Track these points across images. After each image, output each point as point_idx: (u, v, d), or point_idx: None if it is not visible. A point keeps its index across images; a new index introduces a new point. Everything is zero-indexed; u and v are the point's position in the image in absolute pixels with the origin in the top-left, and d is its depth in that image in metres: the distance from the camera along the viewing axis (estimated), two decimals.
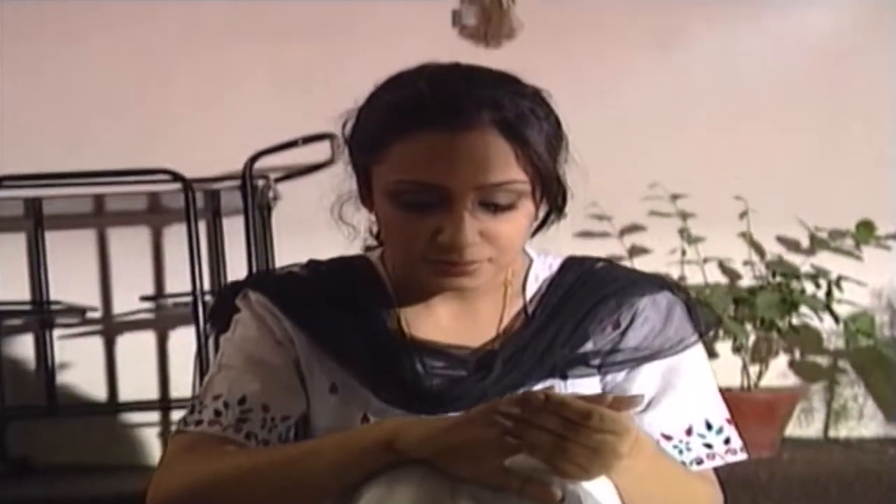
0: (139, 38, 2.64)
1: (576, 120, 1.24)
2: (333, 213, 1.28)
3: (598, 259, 1.33)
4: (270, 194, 2.58)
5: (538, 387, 1.21)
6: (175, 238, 2.61)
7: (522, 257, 1.31)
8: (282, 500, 1.14)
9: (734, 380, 2.48)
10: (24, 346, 2.62)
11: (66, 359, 2.62)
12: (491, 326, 1.27)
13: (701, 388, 1.28)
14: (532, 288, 1.29)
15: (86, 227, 2.65)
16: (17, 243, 2.62)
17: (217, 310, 1.34)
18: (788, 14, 2.70)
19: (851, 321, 2.53)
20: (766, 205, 2.54)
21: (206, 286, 2.52)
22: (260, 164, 2.50)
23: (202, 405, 1.23)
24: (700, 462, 1.26)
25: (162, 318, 2.64)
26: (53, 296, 2.57)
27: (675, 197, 2.52)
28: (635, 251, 2.61)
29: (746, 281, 2.59)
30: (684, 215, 2.53)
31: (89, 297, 2.61)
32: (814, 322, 2.53)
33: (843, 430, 2.68)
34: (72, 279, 2.60)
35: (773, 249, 2.63)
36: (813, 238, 2.57)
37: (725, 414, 1.29)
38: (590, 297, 1.27)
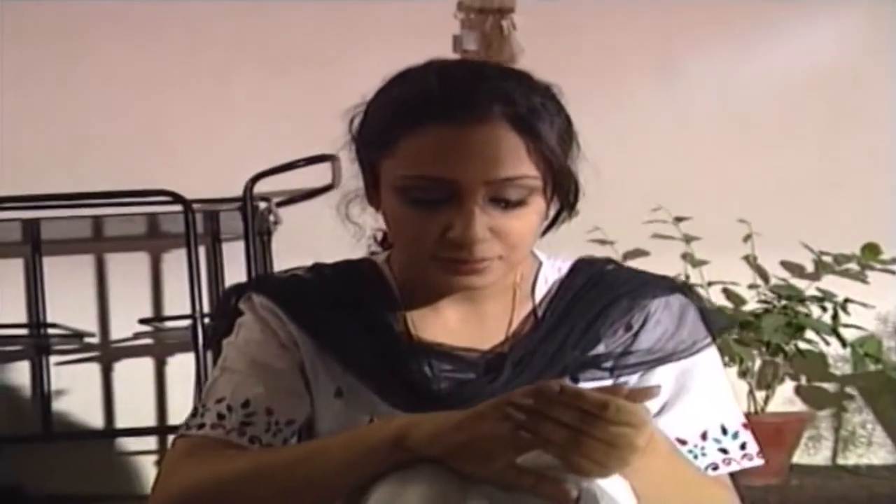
0: (140, 61, 2.64)
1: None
2: (340, 211, 1.26)
3: (609, 261, 1.30)
4: (271, 218, 2.56)
5: None
6: (174, 264, 2.59)
7: (531, 259, 1.28)
8: (287, 501, 1.10)
9: (740, 405, 2.43)
10: (19, 372, 2.60)
11: (63, 384, 2.58)
12: (500, 329, 1.24)
13: (716, 391, 1.25)
14: (541, 290, 1.26)
15: (84, 252, 2.63)
16: (14, 267, 2.60)
17: (220, 313, 1.31)
18: (790, 40, 2.71)
19: (859, 345, 2.50)
20: (770, 228, 2.52)
21: (206, 311, 2.48)
22: (261, 189, 2.48)
23: (205, 408, 1.20)
24: (716, 467, 1.23)
25: (160, 343, 2.62)
26: (50, 320, 2.55)
27: (678, 220, 2.51)
28: None
29: (751, 305, 2.57)
30: (688, 238, 2.51)
31: (87, 322, 2.59)
32: (820, 346, 2.51)
33: (851, 458, 2.65)
34: (69, 304, 2.58)
35: (778, 273, 2.61)
36: (818, 262, 2.55)
37: (741, 418, 1.27)
38: (601, 299, 1.24)
